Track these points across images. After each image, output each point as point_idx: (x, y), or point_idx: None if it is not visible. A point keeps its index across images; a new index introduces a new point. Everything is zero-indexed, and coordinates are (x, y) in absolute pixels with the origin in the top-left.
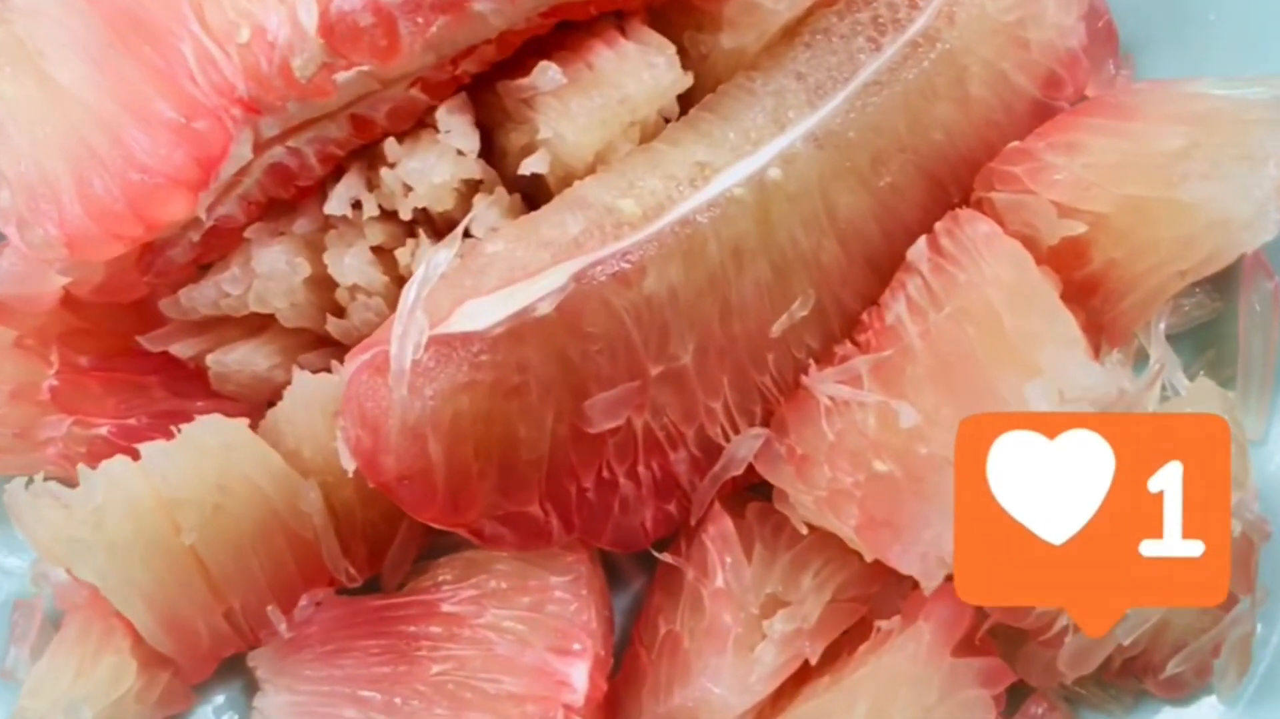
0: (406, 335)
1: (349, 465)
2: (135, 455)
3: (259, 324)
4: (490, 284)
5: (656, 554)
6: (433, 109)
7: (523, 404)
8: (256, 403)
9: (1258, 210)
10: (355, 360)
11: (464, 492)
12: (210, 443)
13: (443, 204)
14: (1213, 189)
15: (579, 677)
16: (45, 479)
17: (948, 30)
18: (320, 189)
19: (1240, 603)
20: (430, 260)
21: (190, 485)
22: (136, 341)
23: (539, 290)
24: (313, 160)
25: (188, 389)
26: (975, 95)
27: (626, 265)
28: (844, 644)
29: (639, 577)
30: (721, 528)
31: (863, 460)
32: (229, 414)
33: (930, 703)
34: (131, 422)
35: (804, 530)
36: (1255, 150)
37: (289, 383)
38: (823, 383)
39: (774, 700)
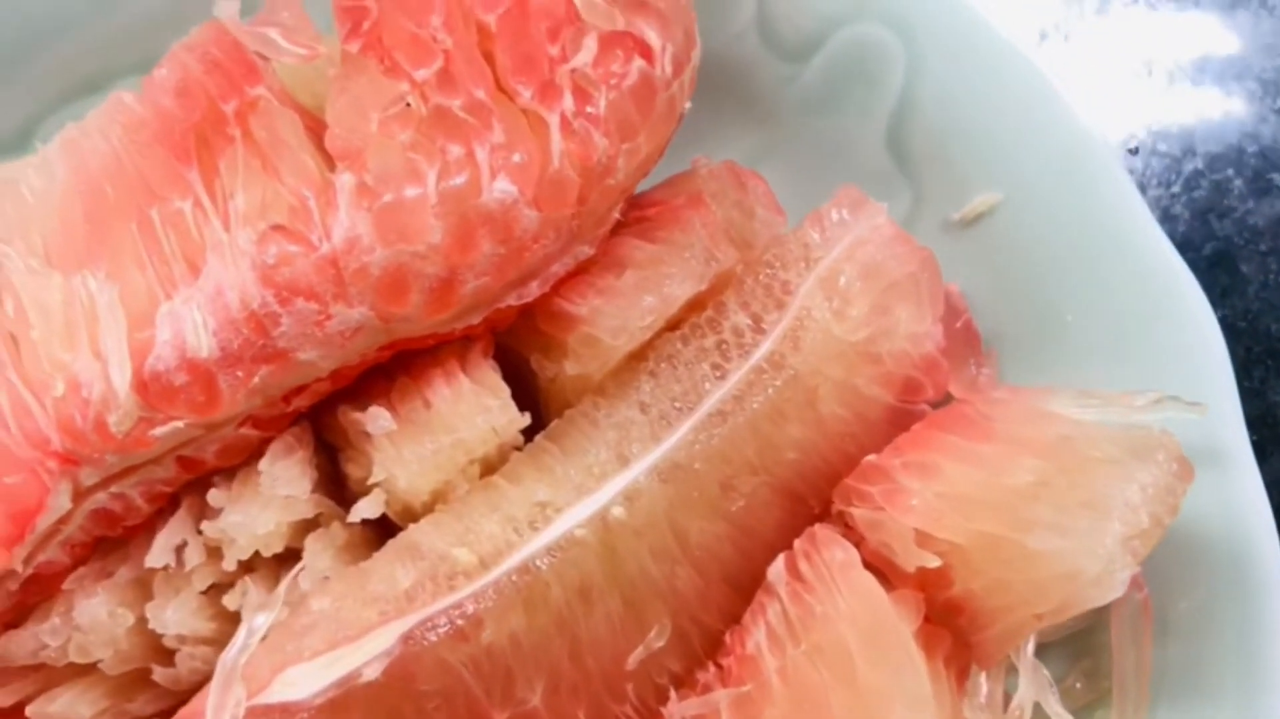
0: (221, 708)
1: None
2: None
3: (84, 667)
4: (313, 647)
5: None
6: (267, 440)
7: None
8: None
9: (1104, 568)
10: None
11: None
12: None
13: (272, 549)
14: (1060, 542)
15: None
16: None
17: (793, 355)
18: (150, 525)
19: None
20: (249, 624)
21: None
22: None
23: (364, 654)
24: (139, 502)
25: None
26: (827, 413)
27: (461, 621)
28: None
29: None
30: None
31: None
32: None
33: None
34: None
35: None
36: (1100, 499)
37: None
38: (681, 717)
39: None
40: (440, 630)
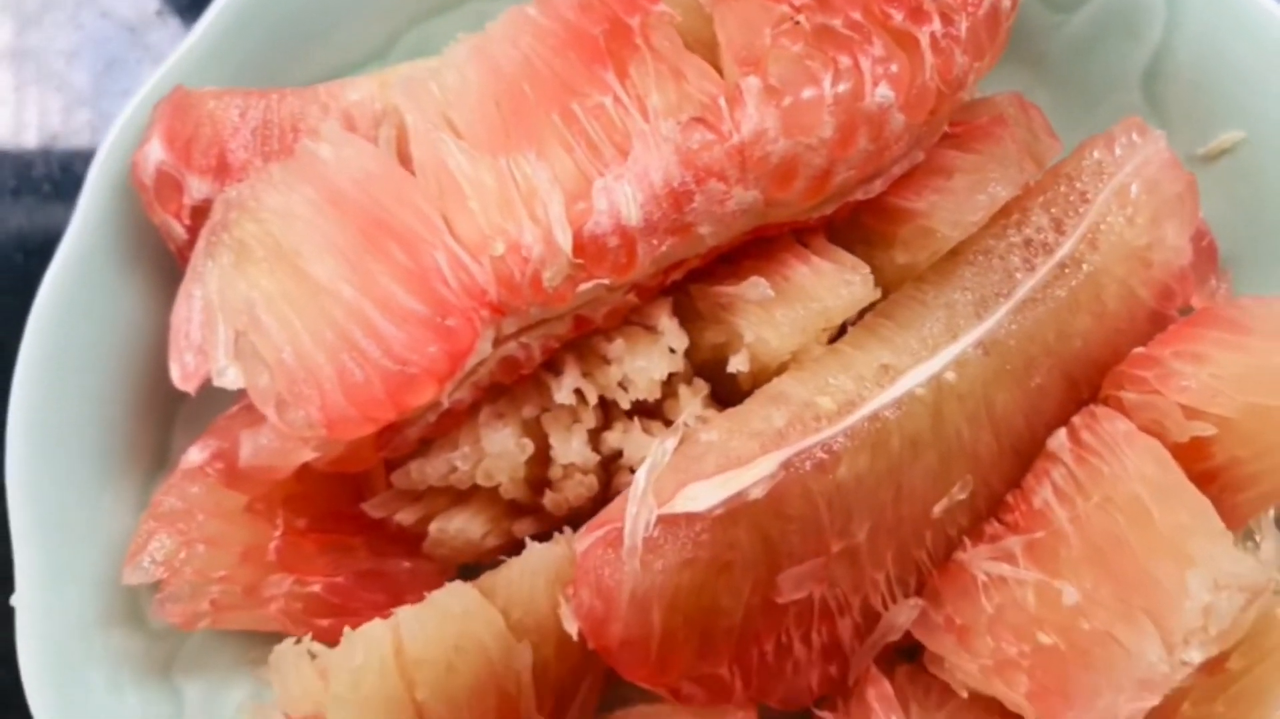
0: (639, 515)
1: (572, 630)
2: (341, 612)
3: (466, 494)
4: (709, 469)
5: (817, 712)
6: (638, 308)
7: (729, 579)
8: (450, 564)
9: None
10: (589, 536)
11: (671, 656)
12: (454, 608)
13: (653, 395)
14: None
15: None
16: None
17: (1091, 254)
18: (534, 375)
19: None
20: (659, 449)
21: (433, 646)
22: (347, 504)
23: (753, 476)
24: (536, 352)
25: (388, 549)
26: (1109, 309)
27: (825, 456)
28: None
29: None
30: (882, 690)
31: (1026, 633)
32: (425, 574)
33: None
34: (339, 579)
35: (964, 694)
36: None
37: (495, 547)
38: (979, 560)
39: None
40: (810, 461)
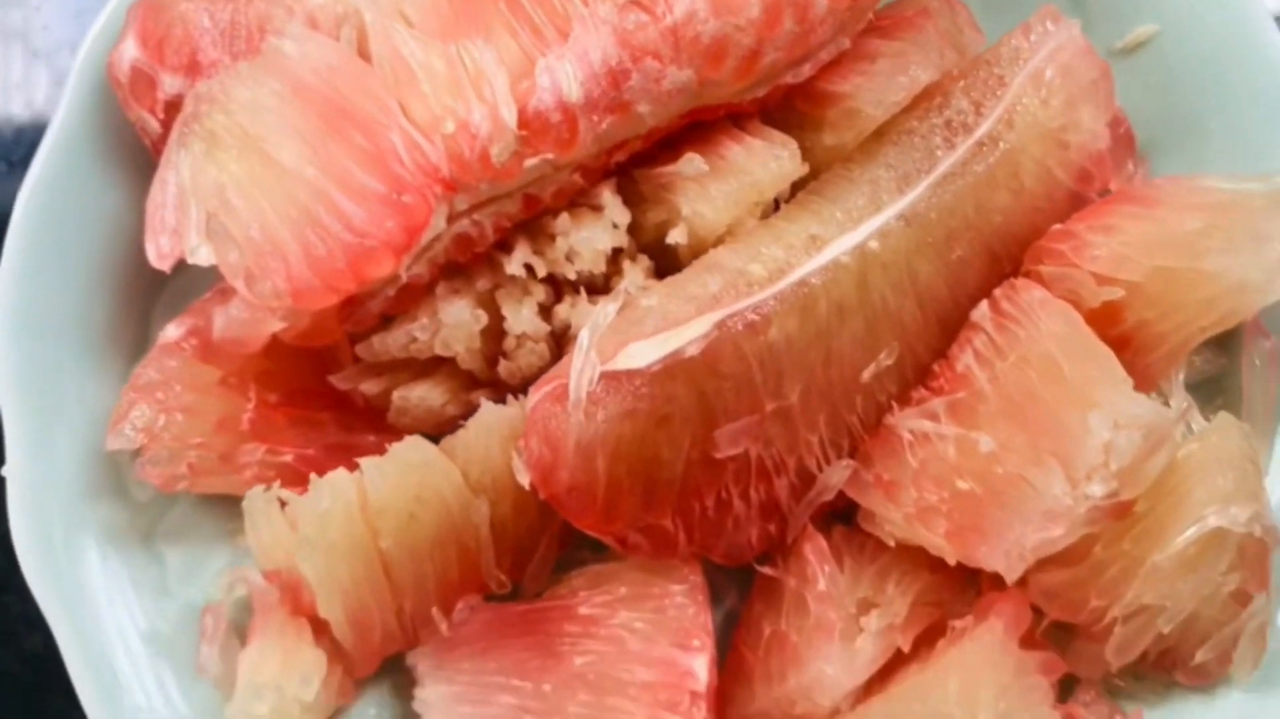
0: (583, 371)
1: (524, 480)
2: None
3: (428, 368)
4: (648, 330)
5: (758, 567)
6: (584, 190)
7: (668, 431)
8: (414, 434)
9: (1267, 277)
10: (539, 391)
11: (616, 504)
12: (414, 459)
13: (598, 268)
14: (1230, 261)
15: (701, 668)
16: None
17: (1007, 133)
18: (487, 255)
19: (1256, 599)
20: (601, 311)
21: (395, 496)
22: (315, 382)
23: (689, 335)
24: (489, 230)
25: (355, 424)
26: (1027, 186)
27: (756, 318)
28: (922, 641)
29: (729, 594)
30: (817, 544)
31: (946, 481)
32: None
33: (1006, 683)
34: (310, 451)
35: (892, 544)
36: (1262, 230)
37: (455, 417)
38: (906, 420)
39: (869, 687)
40: (742, 323)
